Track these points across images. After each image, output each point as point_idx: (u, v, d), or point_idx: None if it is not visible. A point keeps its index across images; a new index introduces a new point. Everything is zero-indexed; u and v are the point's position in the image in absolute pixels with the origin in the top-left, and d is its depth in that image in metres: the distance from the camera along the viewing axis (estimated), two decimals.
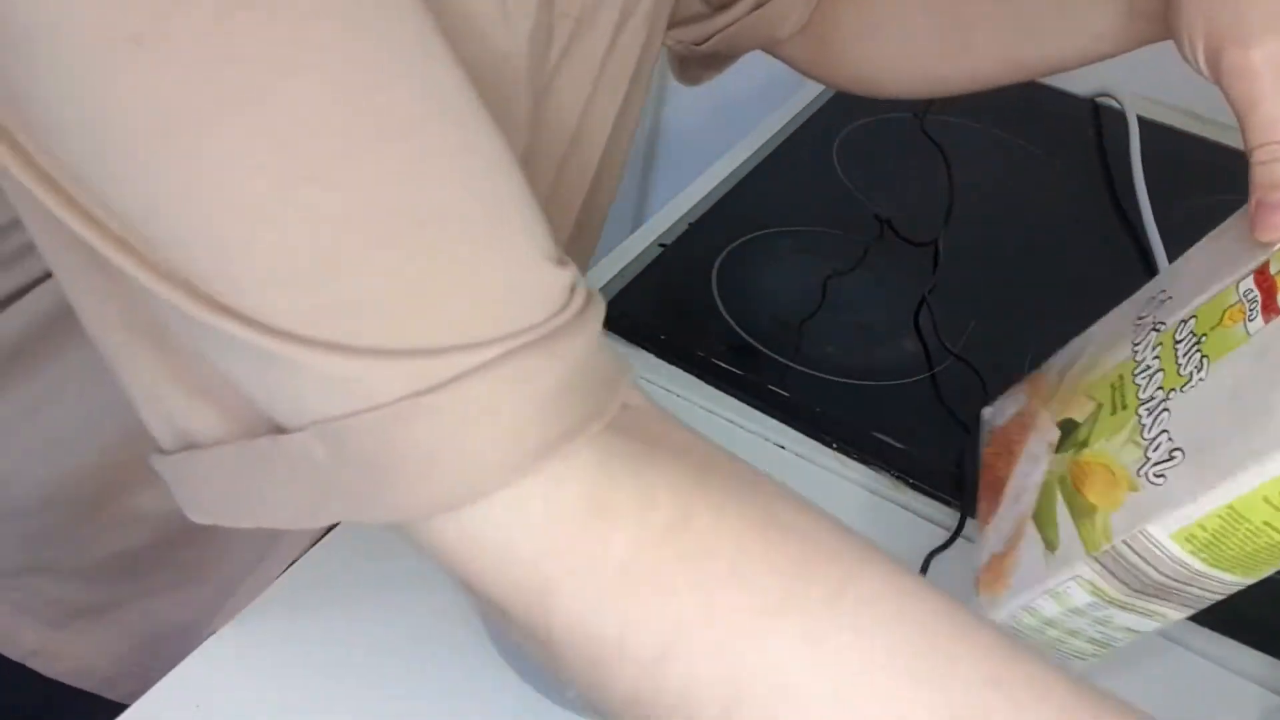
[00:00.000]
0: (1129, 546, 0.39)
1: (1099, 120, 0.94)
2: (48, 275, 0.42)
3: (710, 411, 0.63)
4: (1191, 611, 0.41)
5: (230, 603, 0.52)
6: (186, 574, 0.53)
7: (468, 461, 0.28)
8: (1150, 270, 0.77)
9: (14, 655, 0.52)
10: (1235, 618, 0.51)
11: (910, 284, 0.73)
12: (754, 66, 0.65)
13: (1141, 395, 0.42)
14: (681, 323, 0.68)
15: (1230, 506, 0.36)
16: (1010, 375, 0.66)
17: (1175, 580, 0.39)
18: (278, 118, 0.25)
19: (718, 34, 0.58)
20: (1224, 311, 0.40)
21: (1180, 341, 0.41)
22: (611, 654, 0.28)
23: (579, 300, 0.29)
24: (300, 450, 0.28)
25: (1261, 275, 0.39)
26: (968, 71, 0.57)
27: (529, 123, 0.42)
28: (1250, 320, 0.38)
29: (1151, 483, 0.39)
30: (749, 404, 0.63)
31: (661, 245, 0.73)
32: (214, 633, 0.48)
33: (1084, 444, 0.44)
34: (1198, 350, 0.40)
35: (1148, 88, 0.94)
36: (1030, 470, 0.47)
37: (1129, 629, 0.42)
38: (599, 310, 0.30)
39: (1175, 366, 0.41)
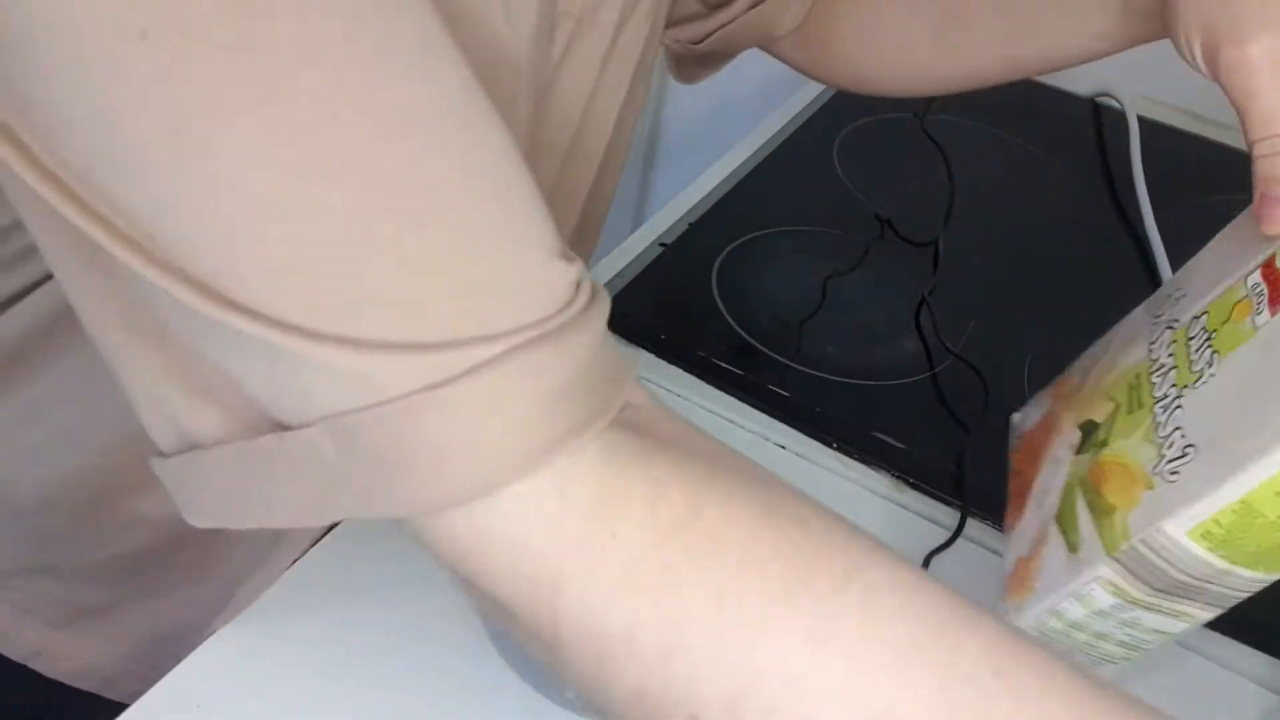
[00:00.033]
0: (1147, 545, 0.39)
1: (1099, 120, 0.94)
2: (48, 277, 0.42)
3: (710, 411, 0.63)
4: (1219, 611, 0.40)
5: (231, 603, 0.52)
6: (189, 575, 0.53)
7: (480, 455, 0.28)
8: (1150, 270, 0.77)
9: (16, 656, 0.52)
10: (1235, 618, 0.51)
11: (910, 284, 0.73)
12: (754, 66, 0.65)
13: (1157, 393, 0.41)
14: (681, 323, 0.68)
15: (1243, 501, 0.36)
16: (1011, 375, 0.66)
17: (1196, 578, 0.38)
18: (287, 113, 0.25)
19: (715, 32, 0.58)
20: (1233, 306, 0.40)
21: (1193, 338, 0.41)
22: (618, 650, 0.28)
23: (585, 296, 0.30)
24: (307, 447, 0.28)
25: (1268, 269, 0.39)
26: (964, 70, 0.57)
27: (532, 120, 0.43)
28: (1257, 314, 0.38)
29: (1167, 480, 0.39)
30: (749, 404, 0.63)
31: (662, 245, 0.73)
32: (214, 633, 0.48)
33: (1103, 444, 0.44)
34: (1209, 346, 0.40)
35: (1148, 88, 0.94)
36: (1054, 473, 0.47)
37: (1158, 631, 0.42)
38: (604, 306, 0.30)
39: (1188, 363, 0.40)
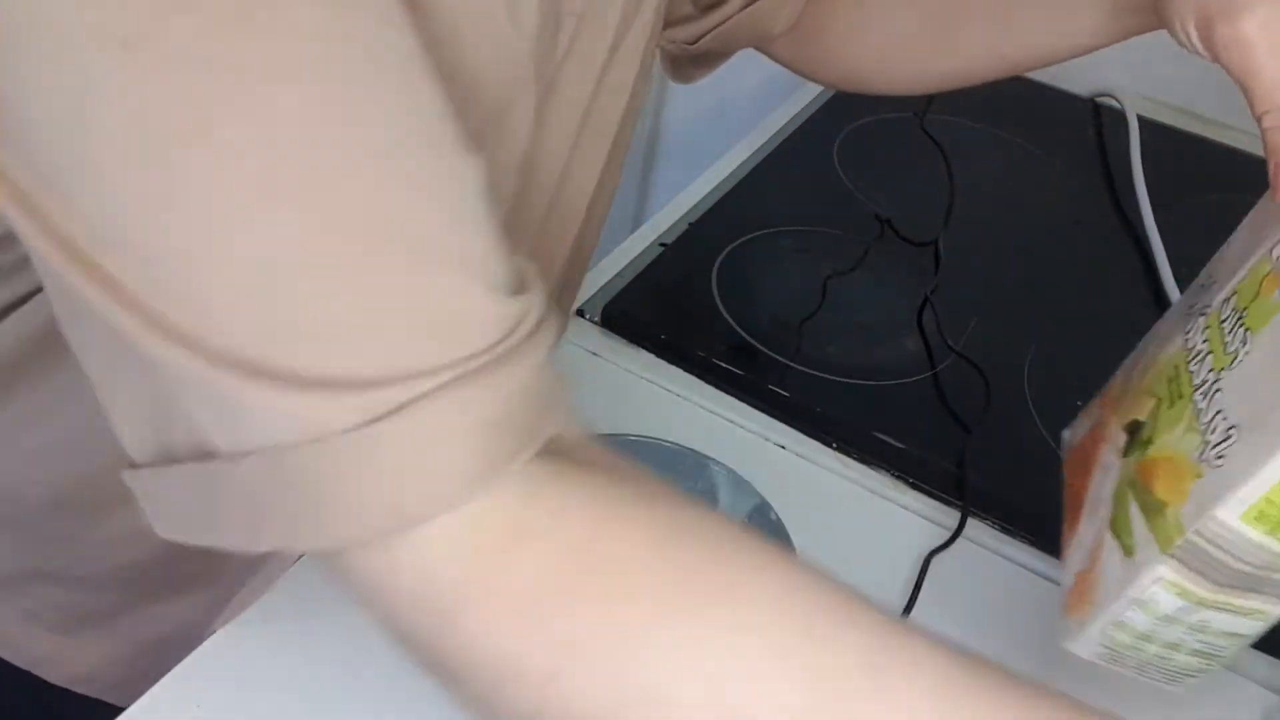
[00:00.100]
0: (1202, 537, 0.37)
1: (1099, 120, 0.94)
2: None
3: (710, 411, 0.63)
4: None
5: (231, 603, 0.52)
6: (192, 580, 0.53)
7: (405, 489, 0.28)
8: (1150, 270, 0.76)
9: (22, 662, 0.52)
10: None
11: (910, 284, 0.73)
12: (753, 66, 0.65)
13: (1195, 381, 0.41)
14: (681, 323, 0.68)
15: None
16: (1011, 374, 0.66)
17: (1258, 567, 0.37)
18: (259, 134, 0.25)
19: (710, 32, 0.58)
20: (1261, 281, 0.39)
21: (1225, 320, 0.40)
22: (508, 676, 0.29)
23: (527, 327, 0.30)
24: (245, 474, 0.28)
25: None
26: (958, 67, 0.57)
27: (534, 119, 0.43)
28: None
29: (1214, 466, 0.37)
30: (749, 404, 0.63)
31: (662, 245, 0.73)
32: (214, 633, 0.48)
33: (1149, 442, 0.42)
34: (1241, 325, 0.39)
35: (1148, 88, 0.94)
36: (1104, 480, 0.45)
37: (1230, 633, 0.40)
38: (548, 336, 0.30)
39: (1222, 345, 0.40)
